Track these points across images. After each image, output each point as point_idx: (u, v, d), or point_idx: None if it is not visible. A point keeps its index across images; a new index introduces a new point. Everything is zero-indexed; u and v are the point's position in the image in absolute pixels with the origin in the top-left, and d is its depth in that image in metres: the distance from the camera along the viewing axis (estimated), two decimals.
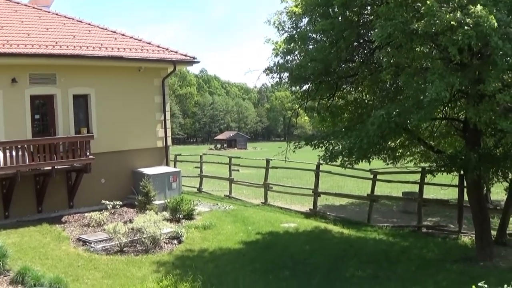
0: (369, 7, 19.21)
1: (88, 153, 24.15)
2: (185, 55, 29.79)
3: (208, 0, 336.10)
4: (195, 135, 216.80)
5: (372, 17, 18.62)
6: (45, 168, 23.38)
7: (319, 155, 19.87)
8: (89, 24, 30.19)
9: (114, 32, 30.04)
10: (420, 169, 24.28)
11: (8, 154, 22.17)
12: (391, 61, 16.57)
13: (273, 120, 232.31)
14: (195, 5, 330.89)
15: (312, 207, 28.08)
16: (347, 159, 18.71)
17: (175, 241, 21.26)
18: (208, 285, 14.83)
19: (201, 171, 36.86)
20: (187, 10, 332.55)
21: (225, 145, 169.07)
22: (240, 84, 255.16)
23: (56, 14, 30.58)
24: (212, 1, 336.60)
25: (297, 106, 23.30)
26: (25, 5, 30.86)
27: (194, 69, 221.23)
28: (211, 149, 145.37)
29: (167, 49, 29.70)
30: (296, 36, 20.03)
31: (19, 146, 22.59)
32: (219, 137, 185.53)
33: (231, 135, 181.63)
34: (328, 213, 27.75)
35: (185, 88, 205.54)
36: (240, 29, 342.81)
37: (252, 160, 38.93)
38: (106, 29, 30.21)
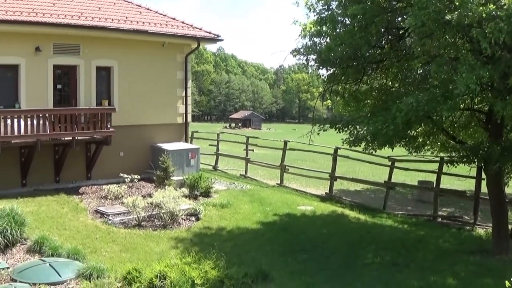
0: None
1: (109, 126, 24.23)
2: (209, 33, 29.72)
3: None
4: (210, 113, 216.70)
5: (401, 4, 18.45)
6: (65, 138, 23.49)
7: (342, 139, 19.77)
8: None
9: (139, 6, 30.02)
10: (438, 159, 24.14)
11: (29, 122, 22.23)
12: (419, 49, 16.41)
13: (288, 101, 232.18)
14: None
15: (328, 191, 27.98)
16: (370, 144, 18.65)
17: (193, 218, 21.28)
18: (230, 264, 14.78)
19: (217, 149, 36.78)
20: None
21: (239, 124, 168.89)
22: (257, 64, 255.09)
23: None
24: None
25: (322, 90, 23.15)
26: None
27: (211, 47, 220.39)
28: (225, 127, 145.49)
29: (191, 25, 29.64)
30: (325, 18, 19.86)
31: (40, 115, 22.68)
32: (234, 116, 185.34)
33: (246, 114, 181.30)
34: (343, 197, 27.66)
35: (202, 66, 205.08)
36: (261, 9, 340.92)
37: (267, 140, 38.85)
38: (131, 2, 30.17)
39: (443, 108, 15.25)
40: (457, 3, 14.36)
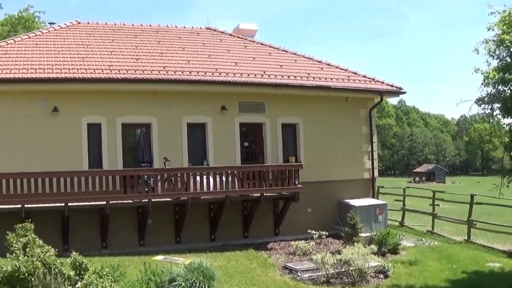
0: None
1: (296, 182, 24.41)
2: (391, 85, 29.54)
3: (402, 29, 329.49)
4: (393, 167, 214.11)
5: None
6: (254, 194, 23.90)
7: None
8: (295, 54, 30.76)
9: (320, 62, 30.39)
10: None
11: (218, 179, 22.85)
12: None
13: (471, 153, 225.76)
14: (389, 34, 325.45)
15: None
16: None
17: (381, 275, 20.91)
18: None
19: (403, 204, 36.07)
20: (381, 39, 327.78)
21: (423, 178, 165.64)
22: (439, 116, 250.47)
23: (261, 44, 31.54)
24: (407, 29, 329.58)
25: (508, 139, 22.33)
26: (230, 35, 32.03)
27: (392, 100, 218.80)
28: (410, 181, 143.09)
29: (373, 79, 29.62)
30: (509, 64, 19.20)
31: (229, 172, 23.37)
32: (418, 169, 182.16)
33: (430, 168, 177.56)
34: None
35: (383, 119, 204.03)
36: (438, 58, 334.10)
37: (453, 195, 37.73)
38: (311, 58, 30.62)
39: None
40: None
